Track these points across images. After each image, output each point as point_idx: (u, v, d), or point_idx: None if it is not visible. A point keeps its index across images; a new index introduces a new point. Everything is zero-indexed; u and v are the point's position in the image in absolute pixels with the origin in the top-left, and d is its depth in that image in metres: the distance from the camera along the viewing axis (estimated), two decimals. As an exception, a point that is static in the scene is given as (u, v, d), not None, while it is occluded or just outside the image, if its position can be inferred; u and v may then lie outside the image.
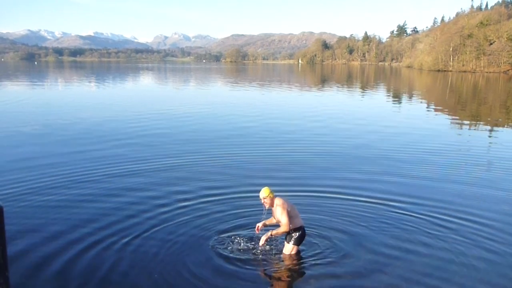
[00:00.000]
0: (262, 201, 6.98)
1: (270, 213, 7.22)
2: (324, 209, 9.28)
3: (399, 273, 6.68)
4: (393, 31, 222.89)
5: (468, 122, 25.15)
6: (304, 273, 6.70)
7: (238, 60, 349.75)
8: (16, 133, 18.53)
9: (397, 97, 42.98)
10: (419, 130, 20.81)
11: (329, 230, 8.10)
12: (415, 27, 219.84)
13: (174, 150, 15.30)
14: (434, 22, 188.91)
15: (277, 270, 6.77)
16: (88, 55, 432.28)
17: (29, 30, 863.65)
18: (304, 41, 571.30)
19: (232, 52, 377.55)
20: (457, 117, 27.19)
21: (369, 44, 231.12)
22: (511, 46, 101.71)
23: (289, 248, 7.07)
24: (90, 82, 61.34)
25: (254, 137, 18.43)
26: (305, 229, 7.18)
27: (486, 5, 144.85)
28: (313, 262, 6.96)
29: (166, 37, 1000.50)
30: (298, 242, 7.04)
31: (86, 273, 6.54)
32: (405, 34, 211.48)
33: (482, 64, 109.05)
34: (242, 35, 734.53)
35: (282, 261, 6.98)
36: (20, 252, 7.08)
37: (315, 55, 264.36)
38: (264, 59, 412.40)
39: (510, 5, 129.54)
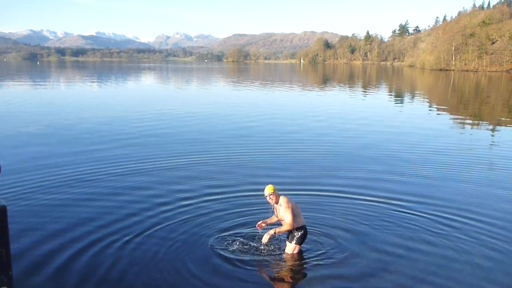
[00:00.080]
0: (268, 198, 6.95)
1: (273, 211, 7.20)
2: (327, 208, 9.27)
3: (403, 271, 6.66)
4: (395, 31, 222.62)
5: (470, 121, 25.10)
6: (307, 272, 6.69)
7: (240, 59, 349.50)
8: (19, 133, 18.57)
9: (399, 97, 42.91)
10: (421, 129, 20.76)
11: (332, 229, 8.08)
12: (417, 26, 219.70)
13: (176, 150, 15.31)
14: (436, 21, 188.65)
15: (279, 270, 6.75)
16: (90, 55, 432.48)
17: (31, 30, 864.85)
18: (306, 41, 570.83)
19: (234, 52, 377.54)
20: (460, 117, 27.12)
21: (371, 44, 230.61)
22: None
23: (291, 248, 7.06)
24: (92, 82, 61.45)
25: (257, 136, 18.42)
26: (309, 228, 7.16)
27: (488, 4, 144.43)
28: (317, 260, 6.94)
29: (168, 37, 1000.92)
30: (300, 241, 7.03)
31: (88, 271, 6.55)
32: (407, 33, 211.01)
33: (484, 63, 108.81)
34: (244, 34, 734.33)
35: (285, 261, 6.96)
36: (22, 250, 7.10)
37: (317, 55, 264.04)
38: (266, 58, 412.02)
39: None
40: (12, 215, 2.35)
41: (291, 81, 72.00)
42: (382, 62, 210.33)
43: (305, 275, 6.64)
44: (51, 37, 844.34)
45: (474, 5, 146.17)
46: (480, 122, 25.09)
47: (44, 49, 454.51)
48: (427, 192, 10.53)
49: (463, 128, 22.44)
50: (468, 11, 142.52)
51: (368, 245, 7.55)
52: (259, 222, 7.18)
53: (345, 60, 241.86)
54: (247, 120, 23.16)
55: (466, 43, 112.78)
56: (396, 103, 35.97)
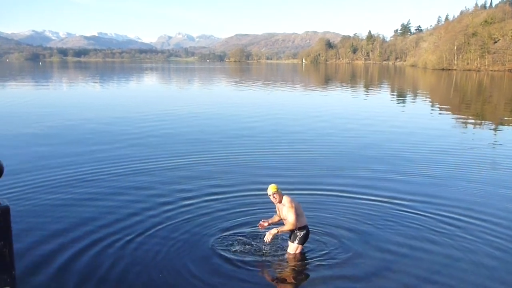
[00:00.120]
0: (272, 198, 6.92)
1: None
2: (330, 207, 9.24)
3: (407, 271, 6.63)
4: (397, 30, 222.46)
5: (473, 120, 25.03)
6: (311, 272, 6.66)
7: (242, 59, 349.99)
8: (22, 133, 18.60)
9: (401, 96, 42.86)
10: (424, 129, 20.72)
11: (335, 229, 8.05)
12: (419, 26, 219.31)
13: (178, 150, 15.31)
14: (438, 21, 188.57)
15: (282, 271, 6.72)
16: (93, 56, 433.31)
17: (33, 30, 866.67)
18: (308, 41, 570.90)
19: (236, 52, 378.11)
20: (462, 116, 27.05)
21: (373, 43, 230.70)
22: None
23: (293, 247, 7.04)
24: (95, 82, 61.56)
25: (259, 136, 18.39)
26: (312, 227, 7.15)
27: (491, 3, 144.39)
28: (320, 260, 6.91)
29: (170, 37, 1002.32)
30: (303, 241, 7.01)
31: (89, 270, 6.54)
32: (409, 33, 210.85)
33: (486, 63, 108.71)
34: (246, 34, 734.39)
35: (287, 261, 6.94)
36: (24, 249, 7.10)
37: (319, 55, 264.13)
38: (268, 58, 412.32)
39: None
40: (14, 215, 2.34)
41: (293, 81, 72.00)
42: (384, 62, 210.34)
43: (308, 275, 6.62)
44: (53, 38, 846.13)
45: (476, 4, 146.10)
46: (483, 121, 25.03)
47: (46, 49, 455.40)
48: (430, 192, 10.49)
49: (466, 127, 22.39)
50: (470, 10, 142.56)
51: (372, 244, 7.52)
52: (261, 222, 7.17)
53: (347, 60, 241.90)
54: (249, 120, 23.14)
55: (468, 43, 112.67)
56: (398, 103, 35.92)
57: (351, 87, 55.69)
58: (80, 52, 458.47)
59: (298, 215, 6.83)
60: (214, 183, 11.01)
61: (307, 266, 6.82)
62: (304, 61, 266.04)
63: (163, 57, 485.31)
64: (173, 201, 9.58)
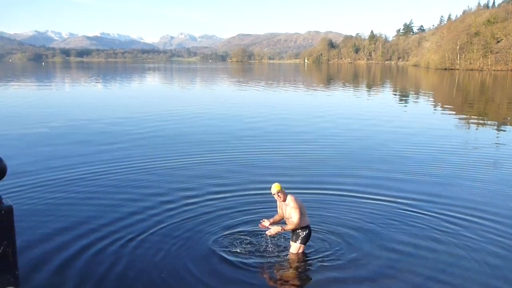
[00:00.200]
0: (276, 196, 6.90)
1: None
2: (334, 207, 9.23)
3: (411, 270, 6.62)
4: (399, 30, 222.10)
5: (476, 120, 24.96)
6: (314, 271, 6.64)
7: (244, 59, 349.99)
8: (25, 134, 18.65)
9: (404, 96, 42.80)
10: (426, 129, 20.67)
11: (339, 228, 8.04)
12: (422, 26, 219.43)
13: (181, 150, 15.31)
14: (441, 21, 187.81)
15: (284, 272, 6.69)
16: (95, 56, 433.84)
17: (36, 31, 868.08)
18: (310, 41, 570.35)
19: (238, 52, 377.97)
20: (465, 116, 26.99)
21: (375, 43, 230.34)
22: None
23: (296, 247, 7.02)
24: (97, 82, 61.68)
25: (262, 136, 18.39)
26: (316, 227, 7.13)
27: (493, 3, 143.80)
28: (323, 260, 6.89)
29: (172, 37, 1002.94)
30: (305, 241, 6.99)
31: (91, 269, 6.56)
32: (411, 33, 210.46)
33: (489, 62, 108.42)
34: (248, 34, 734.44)
35: (289, 261, 6.92)
36: (27, 247, 7.11)
37: (321, 55, 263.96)
38: (270, 58, 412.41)
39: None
40: (17, 214, 2.33)
41: (295, 81, 71.99)
42: (387, 62, 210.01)
43: (311, 275, 6.60)
44: (56, 38, 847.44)
45: (479, 3, 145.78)
46: (486, 121, 24.96)
47: (49, 50, 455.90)
48: (433, 191, 10.47)
49: (469, 127, 22.34)
50: (473, 10, 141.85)
51: (376, 244, 7.50)
52: (262, 222, 7.14)
53: (349, 59, 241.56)
54: (252, 120, 23.13)
55: (471, 42, 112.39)
56: (401, 103, 35.87)
57: (353, 87, 55.64)
58: (83, 52, 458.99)
59: (301, 214, 6.82)
60: (217, 183, 11.01)
61: (310, 266, 6.80)
62: (306, 61, 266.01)
63: (166, 57, 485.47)
64: (175, 200, 9.59)
